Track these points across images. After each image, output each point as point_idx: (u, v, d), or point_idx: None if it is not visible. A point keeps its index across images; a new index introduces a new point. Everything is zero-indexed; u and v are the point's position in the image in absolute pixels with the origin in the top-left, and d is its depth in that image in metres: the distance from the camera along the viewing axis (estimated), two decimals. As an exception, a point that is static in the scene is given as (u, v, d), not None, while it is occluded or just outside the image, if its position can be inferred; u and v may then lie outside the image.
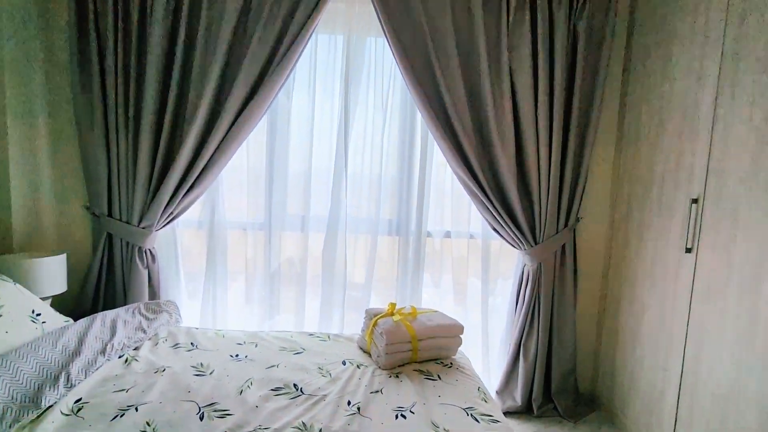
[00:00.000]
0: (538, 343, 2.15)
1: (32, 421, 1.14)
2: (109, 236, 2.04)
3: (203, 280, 2.21)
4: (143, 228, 2.01)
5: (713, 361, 1.54)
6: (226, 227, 2.20)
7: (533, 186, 2.08)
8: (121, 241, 2.03)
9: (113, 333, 1.58)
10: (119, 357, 1.50)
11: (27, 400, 1.18)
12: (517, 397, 2.17)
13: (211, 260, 2.20)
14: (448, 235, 2.28)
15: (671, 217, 1.80)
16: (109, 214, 2.04)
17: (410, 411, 1.29)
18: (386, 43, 2.01)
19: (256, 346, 1.67)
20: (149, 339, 1.66)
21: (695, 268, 1.66)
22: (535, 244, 2.12)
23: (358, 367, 1.55)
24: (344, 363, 1.57)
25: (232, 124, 1.96)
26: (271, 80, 1.92)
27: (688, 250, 1.69)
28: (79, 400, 1.24)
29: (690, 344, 1.66)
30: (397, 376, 1.50)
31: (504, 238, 2.15)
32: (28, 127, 1.96)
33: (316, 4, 1.90)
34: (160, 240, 2.13)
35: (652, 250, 1.91)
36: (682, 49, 1.78)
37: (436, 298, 2.30)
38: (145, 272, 2.06)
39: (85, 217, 2.11)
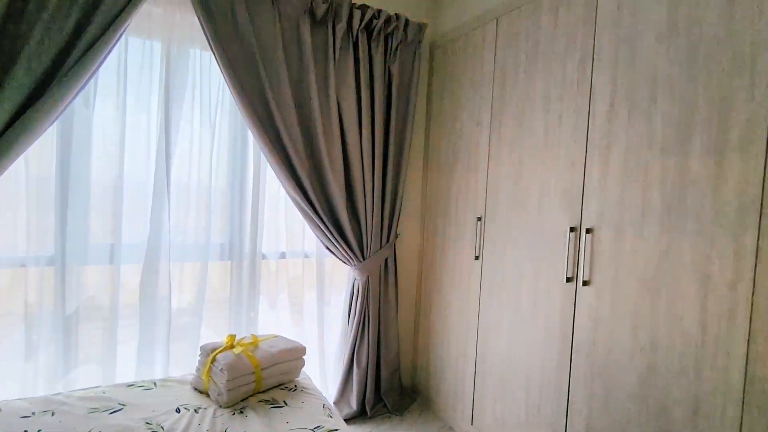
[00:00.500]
0: (368, 350, 2.37)
1: None
2: None
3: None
4: None
5: (496, 344, 2.02)
6: (-8, 265, 1.69)
7: (360, 207, 2.30)
8: None
9: None
10: None
11: None
12: (353, 403, 2.34)
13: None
14: (283, 256, 2.30)
15: (465, 232, 2.27)
16: None
17: (259, 445, 1.27)
18: (213, 58, 1.92)
19: (52, 414, 1.34)
20: None
21: (482, 271, 2.13)
22: (364, 259, 2.34)
23: (195, 411, 1.43)
24: (178, 410, 1.42)
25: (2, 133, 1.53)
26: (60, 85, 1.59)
27: (477, 258, 2.16)
28: None
29: (481, 332, 2.12)
30: (242, 412, 1.45)
31: (336, 256, 2.31)
32: None
33: (123, 8, 1.66)
34: None
35: (453, 259, 2.36)
36: (467, 98, 2.27)
37: (272, 320, 2.28)
38: None
39: None
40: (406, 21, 2.34)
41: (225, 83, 1.94)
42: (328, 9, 2.11)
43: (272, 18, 2.01)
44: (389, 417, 2.39)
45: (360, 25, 2.19)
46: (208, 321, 2.11)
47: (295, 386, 1.66)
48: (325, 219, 2.18)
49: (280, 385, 1.65)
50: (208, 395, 1.53)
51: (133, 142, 1.90)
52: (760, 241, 1.13)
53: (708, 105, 1.25)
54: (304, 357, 1.74)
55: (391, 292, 2.49)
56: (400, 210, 2.48)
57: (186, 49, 1.97)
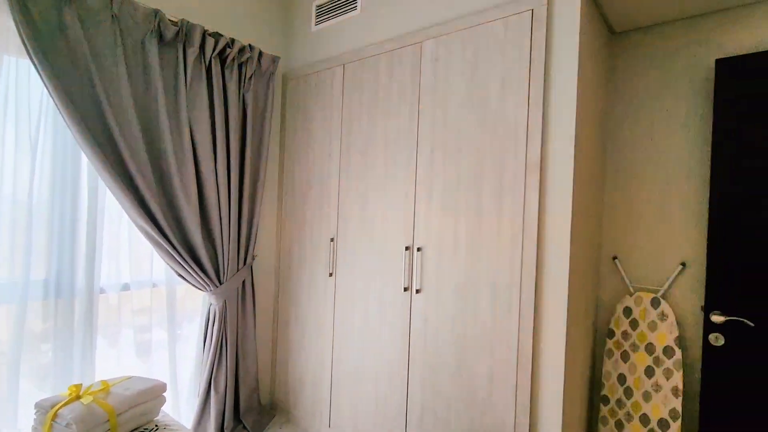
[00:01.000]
0: (227, 374, 2.37)
1: None
2: None
3: None
4: None
5: (349, 349, 2.29)
6: None
7: (216, 232, 2.30)
8: None
9: None
10: None
11: None
12: (211, 430, 2.30)
13: None
14: (127, 287, 2.12)
15: (319, 252, 2.49)
16: None
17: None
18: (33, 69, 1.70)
19: None
20: None
21: (335, 286, 2.39)
22: (220, 284, 2.34)
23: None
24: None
25: None
26: None
27: (330, 275, 2.41)
28: None
29: (336, 341, 2.37)
30: (95, 464, 1.35)
31: (190, 283, 2.25)
32: None
33: None
34: None
35: (309, 276, 2.56)
36: (319, 130, 2.51)
37: (114, 360, 2.08)
38: None
39: None
40: (260, 52, 2.46)
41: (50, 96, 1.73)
42: (178, 33, 2.08)
43: (112, 33, 1.88)
44: (250, 437, 2.43)
45: (213, 52, 2.21)
46: (29, 373, 1.81)
47: (156, 426, 1.60)
48: (177, 246, 2.11)
49: (138, 427, 1.57)
50: (47, 456, 1.37)
51: None
52: (523, 256, 1.67)
53: (492, 158, 1.77)
54: (164, 394, 1.68)
55: (250, 314, 2.53)
56: (257, 233, 2.55)
57: (-5, 55, 1.69)
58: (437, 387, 1.91)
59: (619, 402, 1.92)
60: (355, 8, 2.35)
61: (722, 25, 1.81)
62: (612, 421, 1.93)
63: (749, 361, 1.64)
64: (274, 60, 2.54)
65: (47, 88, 1.71)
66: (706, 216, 1.82)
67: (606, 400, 1.96)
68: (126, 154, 1.90)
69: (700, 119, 1.86)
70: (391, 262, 2.11)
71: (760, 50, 1.71)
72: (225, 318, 2.36)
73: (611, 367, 1.96)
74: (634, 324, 1.93)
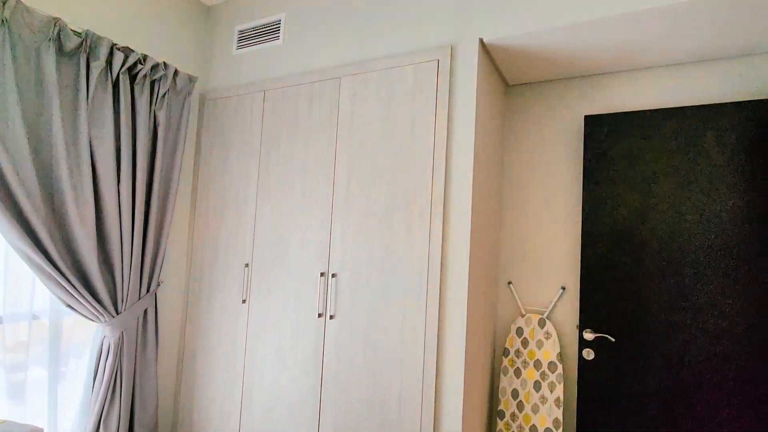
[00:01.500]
0: (120, 414, 2.15)
1: None
2: None
3: None
4: None
5: (261, 379, 2.23)
6: None
7: (115, 257, 2.13)
8: None
9: None
10: None
11: None
12: (97, 480, 2.06)
13: None
14: (-2, 320, 1.86)
15: (233, 277, 2.42)
16: None
17: None
18: None
19: None
20: None
21: (249, 313, 2.33)
22: (117, 314, 2.15)
23: None
24: None
25: None
26: None
27: (244, 301, 2.35)
28: None
29: (247, 370, 2.30)
30: None
31: (81, 313, 2.04)
32: None
33: None
34: None
35: (220, 304, 2.46)
36: (237, 153, 2.48)
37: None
38: None
39: None
40: (176, 71, 2.39)
41: None
42: (81, 44, 1.95)
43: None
44: (144, 483, 2.21)
45: (122, 66, 2.10)
46: None
47: (26, 477, 1.42)
48: (66, 272, 1.92)
49: (2, 481, 1.37)
50: None
51: None
52: (428, 282, 1.80)
53: (404, 190, 1.90)
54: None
55: (151, 346, 2.35)
56: (163, 258, 2.41)
57: None
58: (350, 411, 1.94)
59: (513, 415, 2.11)
60: (277, 38, 2.40)
61: (593, 86, 2.18)
62: (507, 434, 2.11)
63: (613, 372, 1.92)
64: (191, 79, 2.48)
65: None
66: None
67: (502, 415, 2.14)
68: (7, 169, 1.71)
69: (577, 165, 2.19)
70: (306, 288, 2.13)
71: (622, 111, 2.08)
72: (121, 351, 2.17)
73: (506, 382, 2.16)
74: (525, 343, 2.15)
